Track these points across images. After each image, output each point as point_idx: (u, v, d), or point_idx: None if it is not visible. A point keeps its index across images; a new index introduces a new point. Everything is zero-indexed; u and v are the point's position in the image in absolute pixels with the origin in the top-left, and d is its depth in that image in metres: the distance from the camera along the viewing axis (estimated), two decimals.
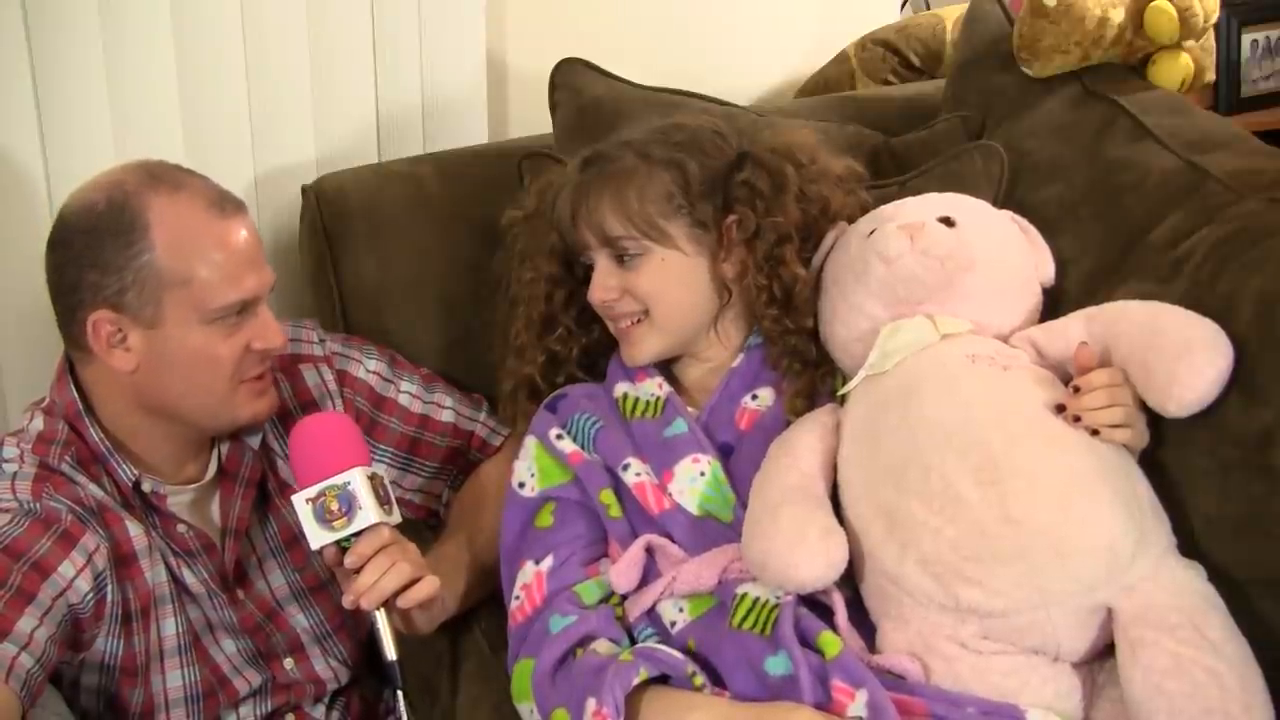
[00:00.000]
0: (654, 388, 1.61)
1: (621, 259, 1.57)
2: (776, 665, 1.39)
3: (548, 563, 1.53)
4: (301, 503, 1.47)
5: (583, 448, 1.59)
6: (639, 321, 1.58)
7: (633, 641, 1.50)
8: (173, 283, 1.48)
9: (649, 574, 1.52)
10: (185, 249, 1.48)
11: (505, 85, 2.27)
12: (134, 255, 1.48)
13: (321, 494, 1.47)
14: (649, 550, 1.52)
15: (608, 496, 1.55)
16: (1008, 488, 1.35)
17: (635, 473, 1.55)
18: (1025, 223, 1.62)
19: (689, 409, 1.59)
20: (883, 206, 1.61)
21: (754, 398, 1.59)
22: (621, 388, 1.62)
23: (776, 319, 1.57)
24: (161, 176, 1.52)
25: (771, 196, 1.57)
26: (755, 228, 1.56)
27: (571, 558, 1.54)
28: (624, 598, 1.53)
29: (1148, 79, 1.84)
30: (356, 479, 1.47)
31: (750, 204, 1.57)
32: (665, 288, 1.57)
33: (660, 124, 1.64)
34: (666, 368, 1.64)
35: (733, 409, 1.58)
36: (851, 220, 1.61)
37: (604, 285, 1.57)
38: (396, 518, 1.51)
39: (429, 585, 1.49)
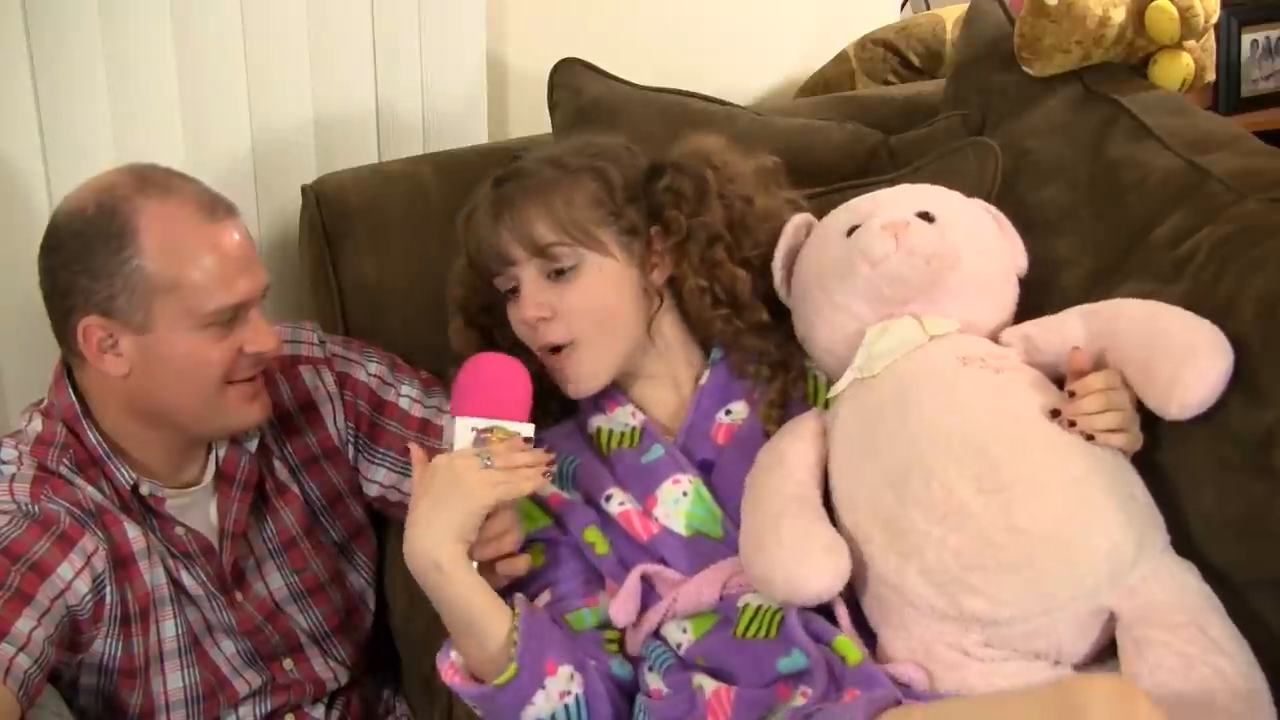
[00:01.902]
0: (627, 416, 1.58)
1: (554, 272, 1.50)
2: (789, 664, 1.39)
3: (544, 598, 1.51)
4: (467, 429, 1.45)
5: (561, 488, 1.56)
6: (561, 350, 1.52)
7: (632, 661, 1.50)
8: (162, 288, 1.48)
9: (648, 602, 1.50)
10: (174, 254, 1.48)
11: (505, 85, 2.27)
12: (123, 261, 1.47)
13: (491, 429, 1.45)
14: (645, 579, 1.50)
15: (592, 534, 1.53)
16: (1011, 496, 1.34)
17: (619, 502, 1.53)
18: (996, 211, 1.60)
19: (665, 436, 1.57)
20: (858, 200, 1.58)
21: (728, 413, 1.57)
22: (595, 422, 1.59)
23: (727, 319, 1.54)
24: (151, 181, 1.52)
25: (696, 199, 1.55)
26: (686, 231, 1.54)
27: (571, 593, 1.52)
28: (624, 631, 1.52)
29: (1148, 79, 1.84)
30: (530, 435, 1.46)
31: (677, 208, 1.54)
32: (602, 300, 1.51)
33: (571, 141, 1.62)
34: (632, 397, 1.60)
35: (708, 426, 1.56)
36: (776, 217, 1.59)
37: (535, 302, 1.50)
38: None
39: (523, 562, 1.49)
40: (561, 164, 1.54)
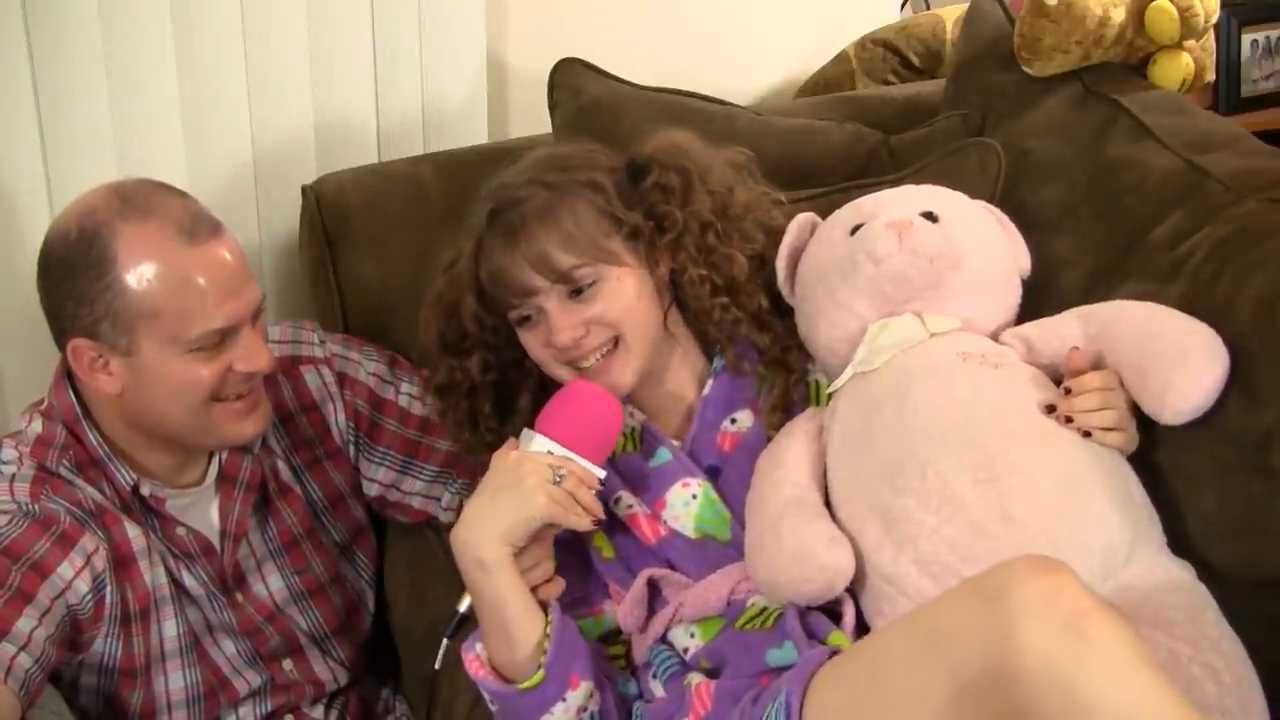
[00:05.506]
0: (626, 416, 1.57)
1: (576, 291, 1.49)
2: (778, 656, 1.39)
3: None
4: (543, 449, 1.44)
5: None
6: (611, 350, 1.50)
7: (632, 669, 1.51)
8: (144, 315, 1.46)
9: (655, 607, 1.50)
10: (153, 281, 1.45)
11: (505, 85, 2.27)
12: (104, 288, 1.45)
13: (566, 460, 1.44)
14: (653, 583, 1.50)
15: (599, 539, 1.54)
16: (1006, 486, 1.35)
17: (628, 505, 1.53)
18: (1000, 213, 1.60)
19: (671, 440, 1.56)
20: (862, 199, 1.59)
21: (733, 421, 1.56)
22: None
23: (726, 307, 1.53)
24: (133, 202, 1.48)
25: (683, 192, 1.55)
26: (682, 224, 1.53)
27: (577, 601, 1.52)
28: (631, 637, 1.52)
29: (1148, 79, 1.84)
30: (602, 480, 1.46)
31: (667, 203, 1.54)
32: (629, 306, 1.50)
33: (537, 158, 1.58)
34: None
35: (713, 435, 1.56)
36: (758, 209, 1.59)
37: (568, 325, 1.48)
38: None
39: (553, 589, 1.47)
40: (550, 184, 1.51)
